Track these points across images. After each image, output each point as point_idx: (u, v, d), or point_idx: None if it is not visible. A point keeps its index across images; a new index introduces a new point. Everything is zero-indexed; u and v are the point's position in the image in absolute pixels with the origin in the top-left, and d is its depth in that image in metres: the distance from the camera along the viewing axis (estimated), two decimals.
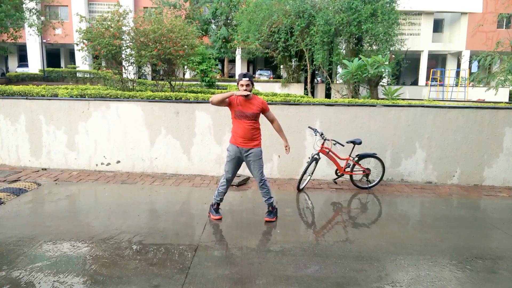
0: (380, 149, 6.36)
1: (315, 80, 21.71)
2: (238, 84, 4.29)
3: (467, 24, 29.78)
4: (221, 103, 4.25)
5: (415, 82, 31.76)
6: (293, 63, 20.70)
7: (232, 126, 4.44)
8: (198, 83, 16.17)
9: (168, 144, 6.56)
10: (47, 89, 8.02)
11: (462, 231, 4.49)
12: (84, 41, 9.35)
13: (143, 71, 21.14)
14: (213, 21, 30.08)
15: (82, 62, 18.32)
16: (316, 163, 5.83)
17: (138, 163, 6.64)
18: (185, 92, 10.21)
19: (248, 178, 6.24)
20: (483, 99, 18.60)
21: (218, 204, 4.58)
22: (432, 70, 27.15)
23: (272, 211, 4.54)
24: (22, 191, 5.35)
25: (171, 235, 4.05)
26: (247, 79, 4.20)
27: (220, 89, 14.28)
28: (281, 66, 22.25)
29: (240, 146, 4.32)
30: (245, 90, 4.18)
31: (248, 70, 35.66)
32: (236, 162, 4.43)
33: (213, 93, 10.16)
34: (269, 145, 6.22)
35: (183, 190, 5.75)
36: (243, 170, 6.47)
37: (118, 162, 6.66)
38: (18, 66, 32.65)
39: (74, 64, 30.28)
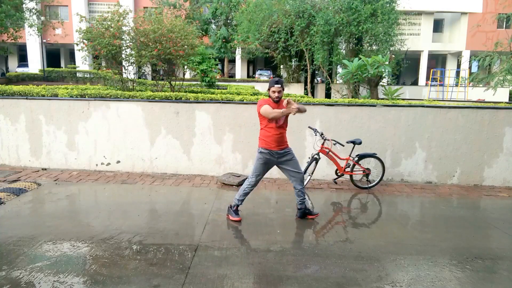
0: (380, 149, 6.36)
1: (315, 80, 21.72)
2: (269, 90, 4.28)
3: (467, 24, 29.79)
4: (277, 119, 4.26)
5: (415, 82, 31.77)
6: (293, 63, 20.70)
7: (262, 132, 4.40)
8: (198, 83, 16.16)
9: (168, 144, 6.56)
10: (47, 89, 8.01)
11: (462, 231, 4.49)
12: (84, 41, 9.35)
13: (143, 71, 21.14)
14: (213, 21, 30.09)
15: (82, 62, 18.31)
16: (316, 163, 5.83)
17: (138, 163, 6.64)
18: (185, 92, 10.19)
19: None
20: (483, 99, 18.59)
21: (238, 206, 4.58)
22: (432, 70, 27.16)
23: (307, 208, 4.74)
24: (22, 191, 5.35)
25: (171, 235, 4.05)
26: (279, 85, 4.20)
27: (220, 89, 14.26)
28: (281, 66, 22.26)
29: (275, 150, 4.36)
30: (277, 96, 4.21)
31: (248, 70, 35.68)
32: (268, 165, 4.49)
33: (213, 93, 10.17)
34: None
35: (183, 190, 5.75)
36: (243, 170, 6.49)
37: (118, 162, 6.66)
38: (18, 66, 32.63)
39: (74, 64, 30.27)
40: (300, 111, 4.21)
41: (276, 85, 4.20)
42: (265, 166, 4.48)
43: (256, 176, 4.50)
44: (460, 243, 4.13)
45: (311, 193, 5.81)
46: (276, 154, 4.39)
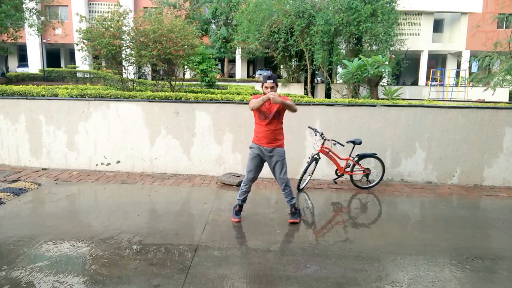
0: (380, 149, 6.36)
1: (315, 80, 21.70)
2: (262, 86, 4.30)
3: (467, 24, 29.81)
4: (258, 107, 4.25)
5: (415, 82, 31.78)
6: (293, 63, 20.69)
7: (254, 128, 4.44)
8: (198, 83, 16.18)
9: (168, 144, 6.56)
10: (47, 89, 8.02)
11: (462, 231, 4.49)
12: (84, 41, 9.36)
13: (143, 71, 21.14)
14: (213, 21, 30.12)
15: (82, 62, 18.31)
16: (316, 163, 5.83)
17: (138, 163, 6.64)
18: (185, 92, 10.20)
19: None
20: (483, 99, 18.58)
21: (241, 206, 4.56)
22: (432, 70, 27.15)
23: (295, 212, 4.54)
24: (22, 191, 5.35)
25: (171, 235, 4.05)
26: (272, 81, 4.21)
27: (220, 89, 14.27)
28: (281, 66, 22.25)
29: (264, 146, 4.35)
30: (270, 92, 4.19)
31: (248, 70, 35.67)
32: (259, 160, 4.45)
33: (213, 93, 10.18)
34: None
35: (183, 190, 5.75)
36: (243, 170, 6.48)
37: (118, 162, 6.66)
38: (18, 66, 32.66)
39: (74, 64, 30.28)
40: (285, 103, 4.12)
41: (268, 81, 4.21)
42: (255, 161, 4.44)
43: (248, 172, 4.49)
44: (460, 243, 4.13)
45: (311, 193, 5.82)
46: (265, 151, 4.35)
